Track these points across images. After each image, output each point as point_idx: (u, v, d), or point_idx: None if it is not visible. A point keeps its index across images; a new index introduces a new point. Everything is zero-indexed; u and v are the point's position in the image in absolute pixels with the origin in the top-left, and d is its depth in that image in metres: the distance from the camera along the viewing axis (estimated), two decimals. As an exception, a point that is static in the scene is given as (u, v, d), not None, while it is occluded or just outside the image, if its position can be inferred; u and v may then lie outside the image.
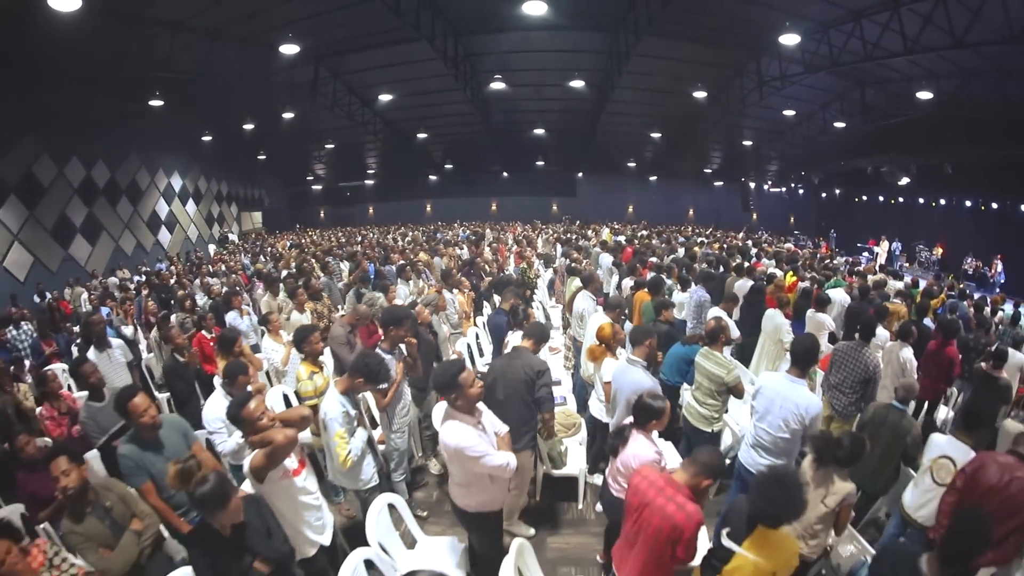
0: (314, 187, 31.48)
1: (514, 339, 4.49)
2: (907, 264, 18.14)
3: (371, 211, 31.68)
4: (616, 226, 20.51)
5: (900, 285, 9.32)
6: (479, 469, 2.56)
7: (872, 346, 4.95)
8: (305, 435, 2.89)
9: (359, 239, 19.69)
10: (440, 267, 9.38)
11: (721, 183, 28.50)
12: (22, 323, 7.55)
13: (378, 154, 26.99)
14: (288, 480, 2.47)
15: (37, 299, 11.66)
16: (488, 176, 29.03)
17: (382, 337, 3.96)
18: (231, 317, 6.02)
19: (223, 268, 12.55)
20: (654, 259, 9.04)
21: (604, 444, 3.35)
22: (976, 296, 9.99)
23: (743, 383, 3.97)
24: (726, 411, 4.18)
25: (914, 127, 15.09)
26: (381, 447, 3.75)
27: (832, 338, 5.76)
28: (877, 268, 11.79)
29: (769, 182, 28.28)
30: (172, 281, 10.69)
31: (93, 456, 3.61)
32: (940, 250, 17.51)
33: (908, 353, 4.82)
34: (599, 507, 3.95)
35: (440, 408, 3.86)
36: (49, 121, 13.42)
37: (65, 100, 12.63)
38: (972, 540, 2.04)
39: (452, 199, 29.43)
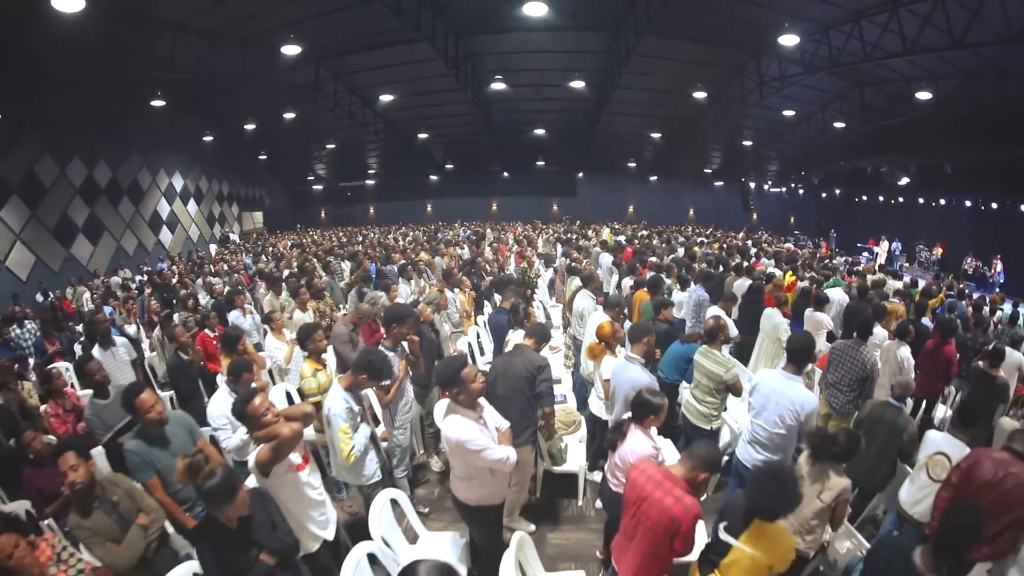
0: (315, 187, 31.53)
1: (515, 337, 4.53)
2: (907, 264, 18.16)
3: (372, 211, 31.73)
4: (616, 226, 20.54)
5: (899, 285, 9.37)
6: (480, 462, 2.61)
7: (870, 345, 4.99)
8: (308, 432, 2.93)
9: (360, 239, 19.73)
10: (441, 267, 9.43)
11: (721, 183, 28.51)
12: (26, 322, 7.60)
13: (379, 154, 27.06)
14: (293, 474, 2.52)
15: (40, 298, 11.71)
16: (489, 176, 29.07)
17: (384, 335, 4.01)
18: (234, 316, 6.07)
19: (225, 268, 12.60)
20: (654, 259, 9.08)
21: (604, 441, 3.39)
22: (975, 296, 10.03)
23: (741, 381, 4.01)
24: (725, 409, 4.22)
25: (913, 127, 15.13)
26: (384, 444, 3.79)
27: (830, 337, 5.79)
28: (876, 268, 11.83)
29: (769, 182, 28.31)
30: (174, 280, 10.74)
31: (98, 453, 3.65)
32: (940, 250, 17.54)
33: (905, 352, 4.87)
34: (599, 504, 4.00)
35: (442, 405, 3.91)
36: (51, 121, 13.47)
37: (67, 100, 12.68)
38: (965, 534, 2.08)
39: (453, 199, 29.47)
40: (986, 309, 8.55)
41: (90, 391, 4.43)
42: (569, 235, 15.76)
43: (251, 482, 2.63)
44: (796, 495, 2.21)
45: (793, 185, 27.34)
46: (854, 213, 23.13)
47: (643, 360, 3.60)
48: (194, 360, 4.69)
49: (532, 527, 3.83)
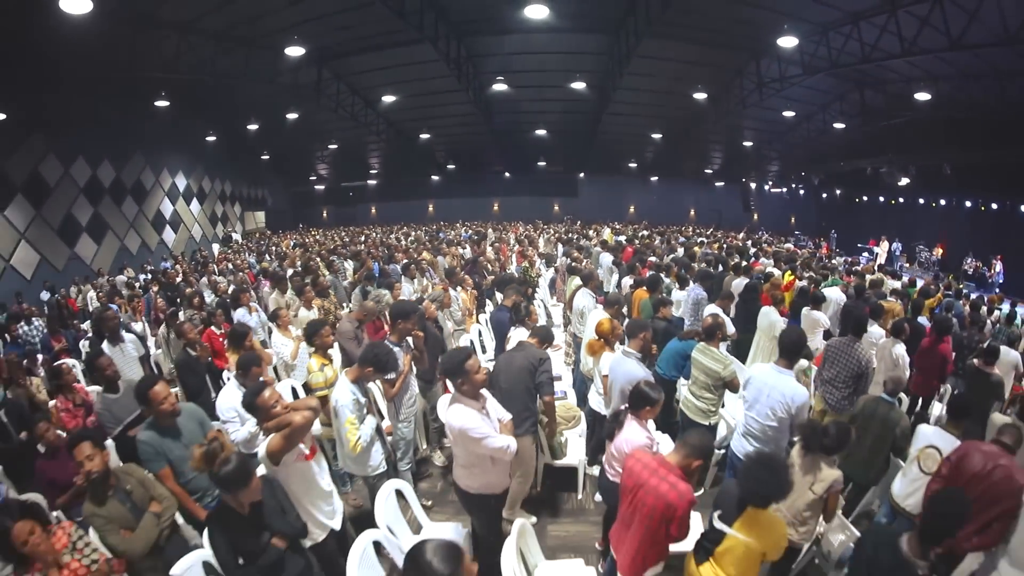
0: (317, 187, 31.64)
1: (516, 335, 4.61)
2: (907, 264, 18.21)
3: (373, 211, 31.84)
4: (617, 226, 20.62)
5: (897, 285, 9.44)
6: (481, 450, 2.70)
7: (866, 343, 5.08)
8: (315, 426, 3.02)
9: (362, 239, 19.84)
10: (444, 266, 9.52)
11: (722, 183, 28.56)
12: (33, 319, 7.70)
13: (381, 154, 27.16)
14: (303, 463, 2.61)
15: (46, 295, 11.79)
16: (490, 176, 29.16)
17: (388, 333, 4.11)
18: (240, 314, 6.16)
19: (229, 267, 12.71)
20: (653, 258, 9.17)
21: (603, 436, 3.47)
22: (974, 296, 10.10)
23: (739, 378, 4.09)
24: (723, 405, 4.31)
25: (913, 128, 15.19)
26: (388, 438, 3.88)
27: (827, 335, 5.87)
28: (876, 268, 11.90)
29: (770, 182, 28.36)
30: (178, 279, 10.84)
31: (108, 446, 3.74)
32: (940, 250, 17.59)
33: (900, 349, 4.95)
34: (598, 497, 4.08)
35: (446, 400, 4.00)
36: (55, 121, 13.55)
37: (71, 101, 12.80)
38: (948, 520, 2.15)
39: (454, 199, 29.58)
40: (984, 309, 8.63)
41: (97, 387, 4.54)
42: (570, 235, 15.87)
43: (259, 472, 2.72)
44: (787, 482, 2.29)
45: (794, 185, 27.39)
46: (854, 213, 23.18)
47: (640, 355, 3.69)
48: (201, 356, 4.78)
49: (533, 519, 3.92)
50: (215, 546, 2.32)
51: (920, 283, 9.69)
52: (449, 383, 3.53)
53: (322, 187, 31.66)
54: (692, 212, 29.17)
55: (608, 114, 18.82)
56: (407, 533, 3.19)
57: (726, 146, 24.60)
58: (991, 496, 2.84)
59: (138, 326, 7.05)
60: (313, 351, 3.99)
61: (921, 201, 19.38)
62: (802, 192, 27.27)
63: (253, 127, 18.70)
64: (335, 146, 24.80)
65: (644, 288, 6.12)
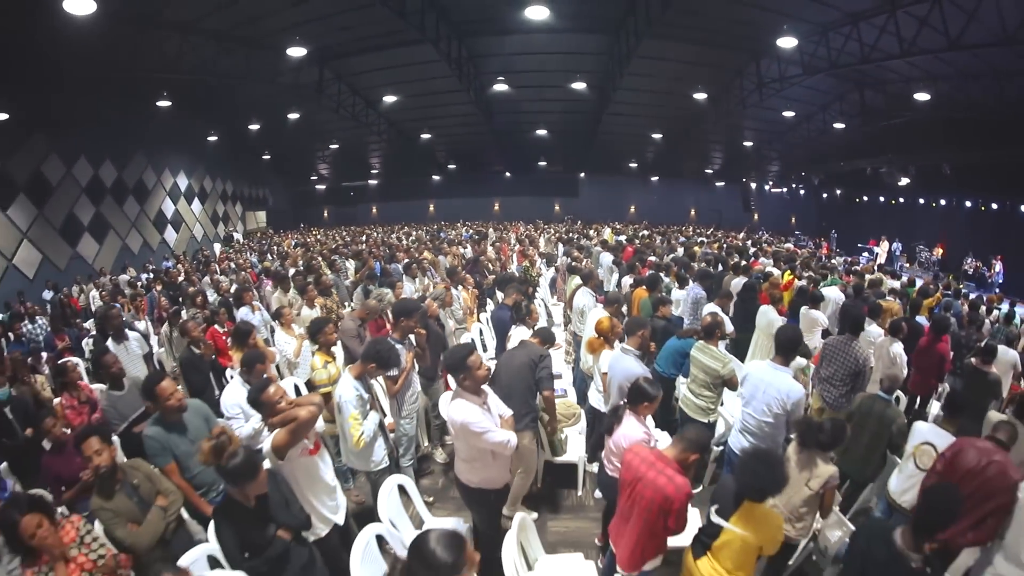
0: (318, 187, 31.70)
1: (517, 333, 4.66)
2: (907, 264, 18.24)
3: (374, 211, 31.90)
4: (618, 226, 20.67)
5: (897, 284, 9.48)
6: (482, 444, 2.75)
7: (865, 342, 5.12)
8: (318, 423, 3.07)
9: (364, 238, 19.90)
10: (445, 265, 9.57)
11: (722, 183, 28.60)
12: (36, 318, 7.75)
13: (382, 154, 27.21)
14: (307, 458, 2.66)
15: (48, 294, 11.83)
16: (491, 176, 29.20)
17: (390, 331, 4.16)
18: (243, 313, 6.21)
19: (232, 266, 12.77)
20: (653, 258, 9.22)
21: (602, 431, 3.52)
22: (973, 296, 10.14)
23: (737, 376, 4.13)
24: (721, 403, 4.35)
25: (913, 128, 15.23)
26: (391, 435, 3.93)
27: (826, 334, 5.91)
28: (875, 268, 11.95)
29: (770, 182, 28.39)
30: (180, 279, 10.89)
31: (114, 442, 3.79)
32: (940, 250, 17.61)
33: (898, 348, 4.99)
34: (598, 493, 4.13)
35: (447, 397, 4.05)
36: (57, 121, 13.60)
37: (74, 101, 12.84)
38: (940, 513, 2.19)
39: (455, 199, 29.62)
40: (983, 308, 8.66)
41: (101, 384, 4.59)
42: (571, 235, 15.92)
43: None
44: (782, 476, 2.33)
45: (794, 185, 27.43)
46: (855, 213, 23.22)
47: (638, 352, 3.74)
48: (205, 354, 4.83)
49: (534, 515, 3.96)
50: (222, 539, 2.35)
51: (919, 283, 9.73)
52: (451, 380, 3.58)
53: (323, 187, 31.72)
54: (692, 212, 29.21)
55: (608, 114, 18.86)
56: (409, 528, 3.23)
57: (726, 146, 24.64)
58: (985, 492, 2.86)
59: (141, 325, 7.09)
60: (317, 348, 4.05)
61: (921, 201, 19.42)
62: (802, 192, 27.31)
63: (254, 127, 18.76)
64: (336, 146, 24.85)
65: (643, 287, 6.16)
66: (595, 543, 3.77)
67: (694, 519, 3.23)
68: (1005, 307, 9.74)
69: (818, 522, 3.28)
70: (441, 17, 12.90)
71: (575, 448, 4.29)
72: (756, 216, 28.51)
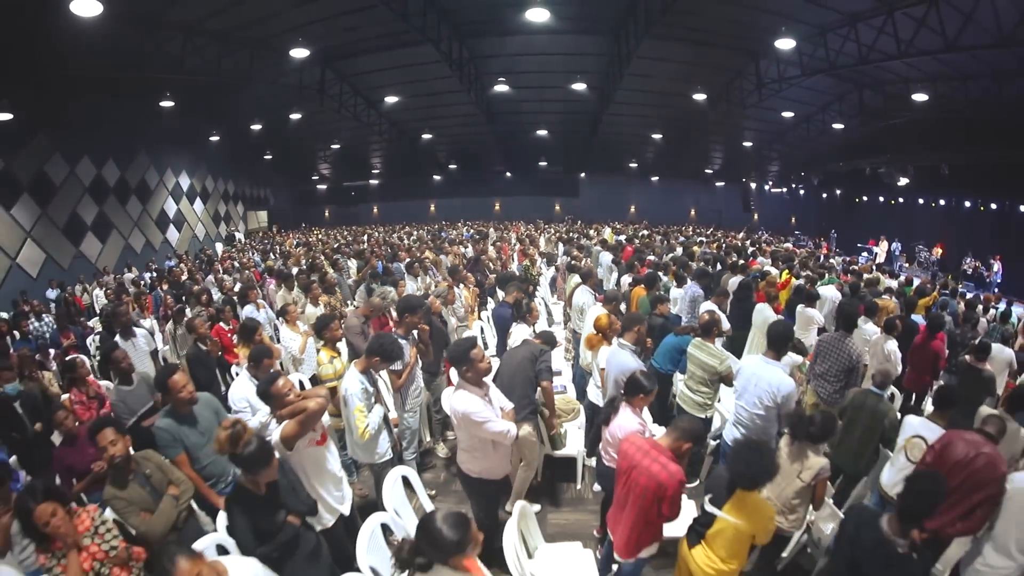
0: (319, 187, 31.80)
1: (517, 331, 4.75)
2: (907, 264, 18.28)
3: (375, 210, 32.00)
4: (618, 226, 20.76)
5: (894, 284, 9.57)
6: (482, 434, 2.85)
7: (860, 340, 5.21)
8: (324, 417, 3.17)
9: (365, 238, 19.99)
10: (446, 264, 9.67)
11: (722, 183, 28.69)
12: (43, 315, 7.85)
13: (383, 154, 27.32)
14: (315, 448, 2.75)
15: (51, 293, 11.90)
16: (491, 176, 29.29)
17: (394, 327, 4.26)
18: (248, 311, 6.30)
19: (235, 265, 12.87)
20: (652, 257, 9.31)
21: (600, 424, 3.61)
22: (970, 296, 10.21)
23: (734, 372, 4.22)
24: (719, 400, 4.44)
25: (912, 129, 15.30)
26: (395, 429, 4.02)
27: (822, 332, 5.99)
28: (874, 267, 12.03)
29: (770, 183, 28.46)
30: (183, 277, 10.98)
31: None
32: (939, 250, 17.66)
33: (892, 345, 5.08)
34: (597, 487, 4.22)
35: (449, 392, 4.14)
36: (61, 121, 13.70)
37: (77, 101, 12.93)
38: (924, 498, 2.27)
39: (456, 199, 29.75)
40: (979, 307, 8.74)
41: (108, 381, 4.68)
42: (571, 235, 16.00)
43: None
44: (773, 464, 2.41)
45: (794, 185, 27.49)
46: (854, 213, 23.28)
47: (634, 347, 3.83)
48: (212, 351, 4.92)
49: (536, 507, 4.05)
50: (234, 526, 2.43)
51: (917, 282, 9.82)
52: (453, 376, 3.67)
53: (324, 187, 31.82)
54: (692, 212, 29.29)
55: (608, 114, 18.96)
56: (413, 518, 3.31)
57: (726, 146, 24.72)
58: (974, 482, 2.93)
59: (147, 323, 7.18)
60: (322, 344, 4.14)
61: (921, 201, 19.48)
62: (802, 192, 27.36)
63: (256, 127, 18.85)
64: (337, 146, 24.96)
65: (642, 286, 6.26)
66: (594, 535, 3.86)
67: (690, 510, 3.32)
68: (1002, 306, 9.82)
69: (811, 514, 3.36)
70: (442, 18, 13.00)
71: (574, 442, 4.37)
72: (756, 216, 28.59)
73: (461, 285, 6.80)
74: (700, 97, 15.98)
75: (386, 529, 2.95)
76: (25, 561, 2.81)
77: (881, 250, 18.85)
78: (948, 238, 17.64)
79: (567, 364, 6.11)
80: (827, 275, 8.87)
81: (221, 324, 5.78)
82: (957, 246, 16.90)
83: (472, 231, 20.09)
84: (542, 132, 22.17)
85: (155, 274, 12.87)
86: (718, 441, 4.13)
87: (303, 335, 5.14)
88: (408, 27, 11.89)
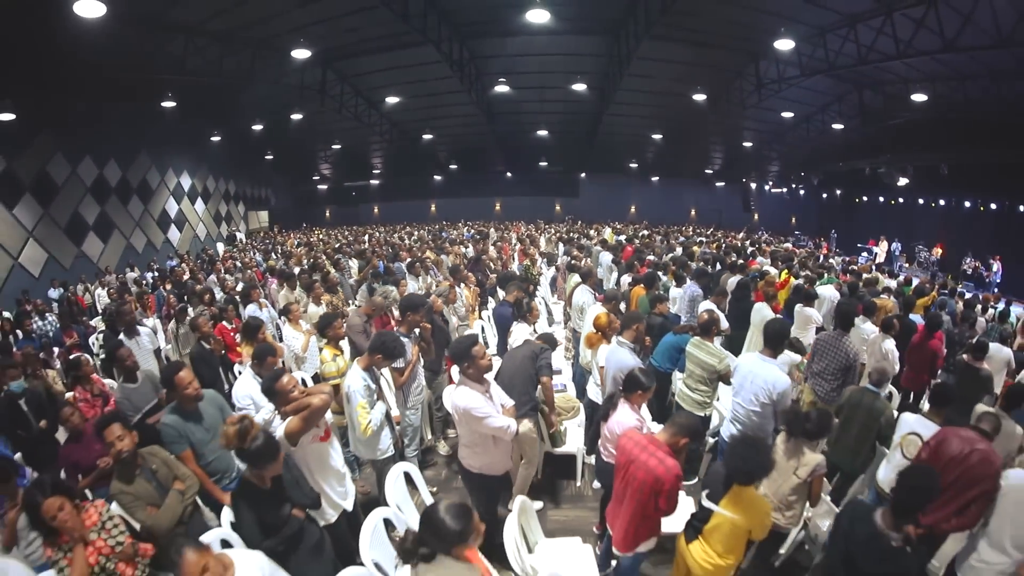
0: (320, 187, 31.85)
1: (518, 329, 4.80)
2: (907, 264, 18.31)
3: (376, 210, 32.06)
4: (618, 226, 20.81)
5: (893, 284, 9.61)
6: (483, 429, 2.90)
7: (858, 339, 5.25)
8: (327, 415, 3.21)
9: (366, 238, 20.05)
10: (447, 264, 9.72)
11: (723, 184, 28.72)
12: (46, 314, 7.89)
13: (384, 155, 27.37)
14: (318, 444, 2.79)
15: (54, 292, 11.95)
16: (492, 176, 29.33)
17: (395, 326, 4.31)
18: (251, 309, 6.34)
19: (237, 264, 12.93)
20: (652, 257, 9.36)
21: (599, 420, 3.65)
22: (969, 295, 10.25)
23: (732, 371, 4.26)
24: (717, 398, 4.48)
25: (911, 129, 15.33)
26: (397, 427, 4.06)
27: (820, 332, 6.03)
28: (873, 267, 12.07)
29: (770, 183, 28.50)
30: (185, 277, 11.03)
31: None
32: (939, 250, 17.69)
33: (890, 344, 5.12)
34: (596, 484, 4.27)
35: (451, 390, 4.19)
36: (63, 121, 13.74)
37: (79, 101, 12.98)
38: (917, 492, 2.31)
39: (456, 199, 29.78)
40: (978, 307, 8.78)
41: (111, 380, 4.72)
42: (571, 235, 16.05)
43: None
44: (769, 459, 2.46)
45: (794, 186, 27.53)
46: (854, 213, 23.31)
47: (632, 344, 3.88)
48: (216, 349, 4.96)
49: (539, 504, 4.11)
50: (241, 520, 2.48)
51: (916, 282, 9.86)
52: (454, 374, 3.71)
53: (325, 187, 31.86)
54: (693, 212, 29.32)
55: (609, 115, 19.03)
56: (415, 514, 3.35)
57: (726, 147, 24.78)
58: (968, 478, 2.96)
59: (150, 322, 7.22)
60: (326, 342, 4.19)
61: (921, 201, 19.51)
62: (802, 192, 27.39)
63: (257, 127, 18.90)
64: (338, 146, 25.01)
65: (641, 285, 6.30)
66: (593, 531, 3.90)
67: (688, 506, 3.36)
68: (1001, 306, 9.85)
69: (809, 511, 3.40)
70: (443, 19, 13.06)
71: (574, 440, 4.42)
72: (756, 216, 28.63)
73: (462, 284, 6.84)
74: (700, 97, 16.02)
75: (388, 525, 2.99)
76: (31, 556, 2.85)
77: (881, 250, 18.88)
78: (948, 238, 17.66)
79: (567, 363, 6.16)
80: (826, 275, 8.91)
81: (224, 323, 5.83)
82: (957, 246, 16.93)
83: (473, 231, 20.13)
84: (542, 132, 22.22)
85: (157, 274, 12.91)
86: (716, 439, 4.17)
87: (306, 334, 5.19)
88: (409, 28, 11.94)
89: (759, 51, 13.74)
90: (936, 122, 14.20)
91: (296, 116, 18.22)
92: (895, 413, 3.92)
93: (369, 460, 3.56)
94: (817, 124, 18.59)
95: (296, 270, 9.10)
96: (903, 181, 17.64)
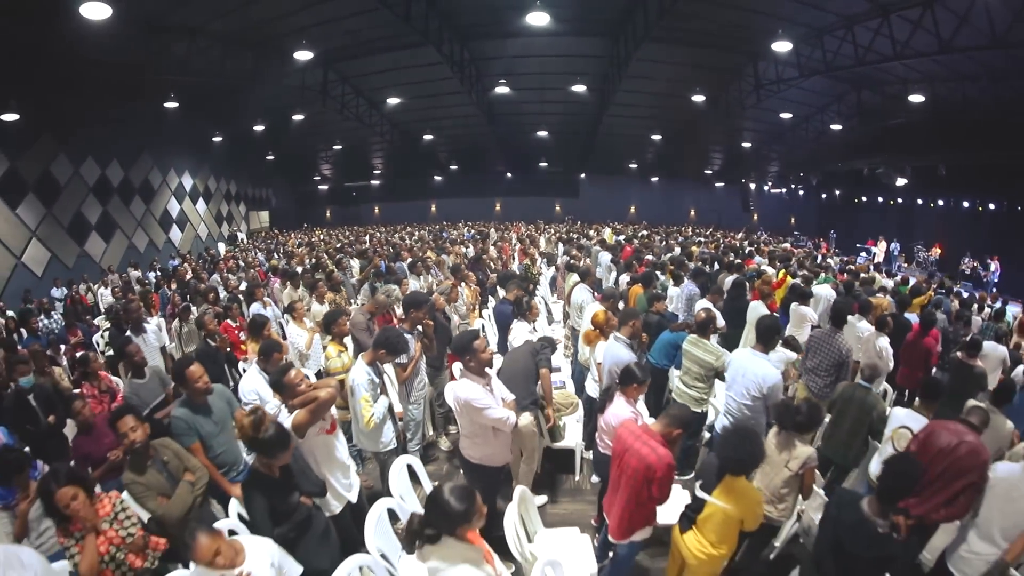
0: (321, 187, 31.94)
1: (518, 327, 4.89)
2: (906, 264, 18.38)
3: (376, 211, 32.15)
4: (617, 226, 20.89)
5: (890, 283, 9.69)
6: (483, 420, 3.00)
7: (853, 337, 5.33)
8: (332, 409, 3.30)
9: (367, 238, 20.14)
10: (448, 264, 9.80)
11: (722, 184, 28.81)
12: (52, 312, 7.98)
13: (384, 155, 27.45)
14: (324, 436, 2.88)
15: (57, 291, 12.01)
16: (492, 177, 29.42)
17: (397, 324, 4.41)
18: (255, 308, 6.43)
19: (240, 264, 13.04)
20: (650, 257, 9.45)
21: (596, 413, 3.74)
22: (966, 295, 10.32)
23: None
24: (714, 395, 4.56)
25: (910, 129, 15.40)
26: (399, 422, 4.15)
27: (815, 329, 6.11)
28: (871, 267, 12.15)
29: (769, 183, 28.59)
30: (188, 276, 11.12)
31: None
32: (938, 250, 17.76)
33: (884, 342, 5.20)
34: (595, 478, 4.35)
35: (452, 386, 4.28)
36: (66, 122, 13.84)
37: (82, 102, 13.04)
38: (900, 478, 2.39)
39: (456, 199, 29.87)
40: (974, 306, 8.86)
41: (116, 377, 4.80)
42: (571, 235, 16.14)
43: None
44: (760, 449, 2.54)
45: (793, 186, 27.62)
46: (854, 214, 23.37)
47: (629, 340, 3.96)
48: (221, 346, 5.05)
49: (544, 499, 4.20)
50: (252, 508, 2.55)
51: (913, 281, 9.93)
52: (455, 371, 3.80)
53: (326, 187, 31.96)
54: (692, 212, 29.40)
55: (608, 116, 19.10)
56: (418, 505, 3.44)
57: (725, 147, 24.87)
58: (956, 470, 3.01)
59: (153, 321, 7.29)
60: (330, 339, 4.28)
61: (919, 202, 19.57)
62: (801, 193, 27.47)
63: (259, 128, 19.00)
64: (339, 147, 25.10)
65: (639, 284, 6.40)
66: (591, 524, 3.98)
67: (683, 498, 3.44)
68: (997, 305, 9.93)
69: (802, 504, 3.47)
70: (444, 21, 13.14)
71: (572, 435, 4.51)
72: (755, 216, 28.71)
73: (463, 283, 6.94)
74: (699, 99, 16.12)
75: (392, 516, 3.07)
76: (42, 547, 2.94)
77: (880, 250, 18.94)
78: (946, 238, 17.73)
79: (566, 361, 6.25)
80: (823, 275, 8.99)
81: (229, 321, 5.92)
82: (955, 247, 16.99)
83: (473, 231, 20.21)
84: (542, 133, 22.31)
85: (160, 273, 13.00)
86: (712, 434, 4.26)
87: (309, 331, 5.28)
88: (410, 29, 12.03)
89: (757, 52, 13.84)
90: (934, 122, 14.27)
91: (297, 117, 18.33)
92: (887, 408, 4.01)
93: (372, 453, 3.64)
94: (816, 125, 18.68)
95: (298, 269, 9.19)
96: (901, 181, 17.71)
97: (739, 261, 8.78)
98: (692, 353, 4.35)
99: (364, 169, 29.66)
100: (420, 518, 1.82)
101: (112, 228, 16.69)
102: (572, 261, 8.54)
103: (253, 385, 3.71)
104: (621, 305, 6.09)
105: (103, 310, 10.41)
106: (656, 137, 22.18)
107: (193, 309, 6.82)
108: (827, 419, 4.08)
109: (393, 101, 18.16)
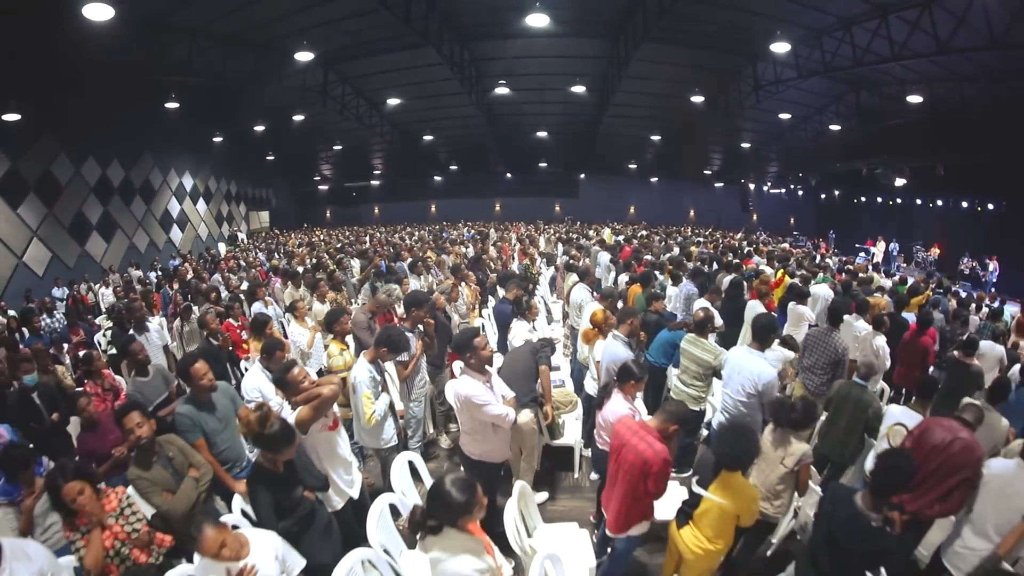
0: (321, 187, 31.98)
1: (517, 326, 4.93)
2: (905, 264, 18.42)
3: (376, 211, 32.19)
4: (617, 226, 20.94)
5: (888, 283, 9.74)
6: (483, 416, 3.04)
7: (851, 336, 5.37)
8: (334, 407, 3.34)
9: (367, 238, 20.18)
10: (448, 264, 9.85)
11: (721, 184, 28.86)
12: (54, 312, 8.02)
13: (384, 155, 27.50)
14: (327, 433, 2.92)
15: (57, 291, 12.04)
16: (492, 177, 29.46)
17: (398, 323, 4.46)
18: (256, 307, 6.47)
19: (240, 264, 13.08)
20: (649, 257, 9.49)
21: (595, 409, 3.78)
22: (964, 295, 10.37)
23: (725, 365, 4.39)
24: (712, 394, 4.61)
25: (908, 130, 15.45)
26: (400, 421, 4.20)
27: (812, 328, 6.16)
28: (869, 267, 12.20)
29: (768, 183, 28.64)
30: (189, 276, 11.16)
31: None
32: (937, 250, 17.80)
33: (880, 341, 5.25)
34: (593, 475, 4.40)
35: (453, 384, 4.32)
36: (67, 122, 13.87)
37: (83, 102, 13.08)
38: (892, 473, 2.44)
39: (456, 199, 29.91)
40: (972, 305, 8.90)
41: (119, 376, 4.84)
42: (570, 235, 16.18)
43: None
44: (755, 445, 2.59)
45: (792, 186, 27.67)
46: (853, 214, 23.43)
47: (627, 338, 4.01)
48: (223, 345, 5.09)
49: (544, 495, 4.25)
50: (258, 503, 2.59)
51: (911, 281, 9.97)
52: (456, 370, 3.85)
53: (326, 187, 32.00)
54: (692, 213, 29.45)
55: (608, 116, 19.16)
56: (419, 501, 3.48)
57: (725, 148, 24.92)
58: (951, 466, 3.06)
59: (155, 320, 7.34)
60: (332, 337, 4.32)
61: (919, 202, 19.61)
62: (800, 193, 27.52)
63: (259, 128, 19.04)
64: (339, 147, 25.14)
65: (638, 283, 6.44)
66: (590, 520, 4.02)
67: (680, 494, 3.49)
68: (995, 304, 9.98)
69: (799, 500, 3.51)
70: (444, 22, 13.19)
71: (572, 433, 4.55)
72: (755, 217, 28.76)
73: (463, 283, 6.98)
74: (698, 99, 16.16)
75: (394, 511, 3.11)
76: (47, 542, 2.98)
77: (879, 250, 18.99)
78: (945, 239, 17.78)
79: (565, 360, 6.29)
80: (821, 274, 9.04)
81: (230, 320, 5.96)
82: (954, 247, 17.03)
83: (473, 231, 20.25)
84: (542, 133, 22.36)
85: (161, 273, 13.04)
86: (710, 431, 4.30)
87: (311, 330, 5.32)
88: (410, 30, 12.07)
89: (756, 53, 13.88)
90: (932, 123, 14.32)
91: (298, 117, 18.38)
92: (882, 406, 4.05)
93: (374, 450, 3.69)
94: (814, 125, 18.74)
95: (299, 269, 9.23)
96: (900, 182, 17.75)
97: (737, 261, 8.83)
98: (690, 352, 4.39)
99: (364, 169, 29.70)
100: (423, 509, 1.87)
101: (113, 228, 16.73)
102: (571, 261, 8.58)
103: (256, 383, 3.75)
104: (620, 304, 6.14)
105: (104, 310, 10.46)
106: (655, 138, 22.23)
107: (195, 308, 6.87)
108: (823, 417, 4.12)
109: (393, 102, 18.21)
